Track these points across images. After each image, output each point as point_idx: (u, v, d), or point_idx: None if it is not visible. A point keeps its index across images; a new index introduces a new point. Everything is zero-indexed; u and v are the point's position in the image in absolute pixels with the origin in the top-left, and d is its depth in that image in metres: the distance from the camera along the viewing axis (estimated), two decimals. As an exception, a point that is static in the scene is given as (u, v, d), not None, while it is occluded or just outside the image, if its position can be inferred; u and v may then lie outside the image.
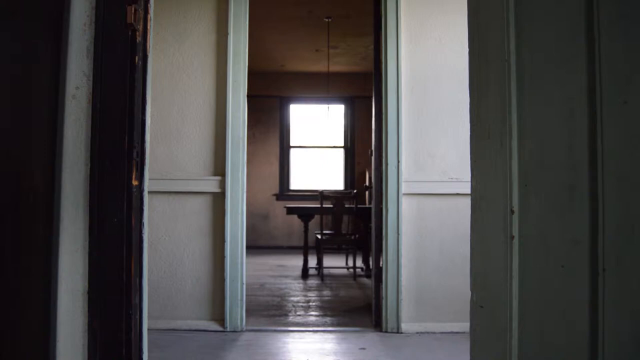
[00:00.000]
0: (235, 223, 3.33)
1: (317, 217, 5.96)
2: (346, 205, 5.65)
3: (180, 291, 3.33)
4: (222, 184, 3.33)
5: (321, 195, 5.55)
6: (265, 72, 8.23)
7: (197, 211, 3.36)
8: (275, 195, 8.50)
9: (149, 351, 1.72)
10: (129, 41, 1.57)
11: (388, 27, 3.38)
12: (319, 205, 5.59)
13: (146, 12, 1.63)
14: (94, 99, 1.55)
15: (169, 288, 3.33)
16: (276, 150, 8.63)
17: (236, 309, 3.30)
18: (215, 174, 3.36)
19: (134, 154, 1.57)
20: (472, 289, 1.21)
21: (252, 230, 8.12)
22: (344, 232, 5.79)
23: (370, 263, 4.48)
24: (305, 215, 5.73)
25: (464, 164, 3.29)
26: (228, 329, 3.27)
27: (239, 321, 3.30)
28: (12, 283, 1.53)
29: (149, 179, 1.68)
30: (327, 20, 6.16)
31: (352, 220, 6.37)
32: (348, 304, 4.30)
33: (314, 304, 4.30)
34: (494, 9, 1.12)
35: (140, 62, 1.60)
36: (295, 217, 6.16)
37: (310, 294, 4.74)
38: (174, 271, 3.34)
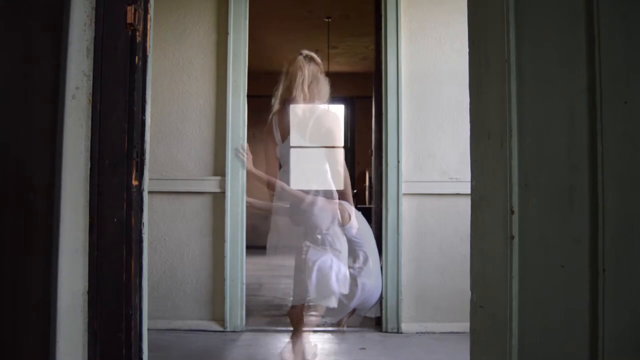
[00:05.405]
0: (235, 223, 3.32)
1: (317, 217, 5.94)
2: (346, 205, 5.63)
3: (180, 291, 3.32)
4: (222, 184, 3.33)
5: (321, 195, 5.54)
6: (265, 72, 8.21)
7: (197, 211, 3.36)
8: (275, 195, 8.48)
9: (149, 351, 1.71)
10: (129, 41, 1.57)
11: (388, 27, 3.38)
12: (319, 205, 5.58)
13: (146, 12, 1.63)
14: (94, 99, 1.54)
15: (169, 288, 3.32)
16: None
17: (236, 309, 3.29)
18: (215, 174, 3.36)
19: (134, 154, 1.57)
20: (472, 289, 1.21)
21: (252, 230, 8.10)
22: (344, 232, 5.78)
23: (370, 263, 4.47)
24: (305, 215, 5.71)
25: (464, 164, 3.28)
26: (228, 329, 3.27)
27: (239, 321, 3.30)
28: (11, 283, 1.53)
29: (149, 179, 1.68)
30: (327, 20, 6.16)
31: (352, 220, 6.35)
32: (348, 304, 4.29)
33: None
34: (494, 8, 1.12)
35: (140, 62, 1.59)
36: (295, 217, 6.13)
37: (310, 294, 4.73)
38: (174, 271, 3.33)
